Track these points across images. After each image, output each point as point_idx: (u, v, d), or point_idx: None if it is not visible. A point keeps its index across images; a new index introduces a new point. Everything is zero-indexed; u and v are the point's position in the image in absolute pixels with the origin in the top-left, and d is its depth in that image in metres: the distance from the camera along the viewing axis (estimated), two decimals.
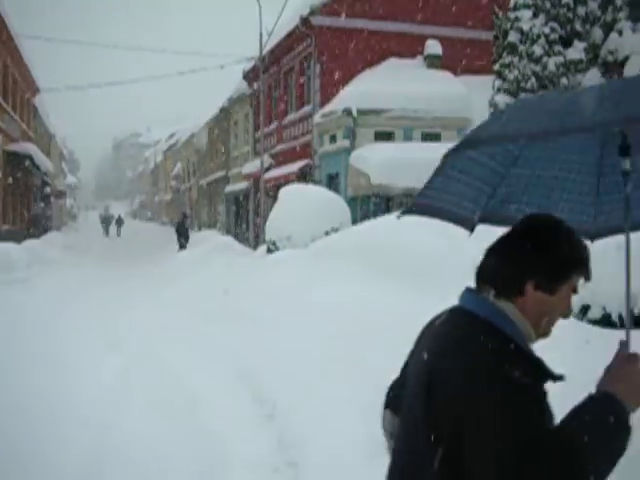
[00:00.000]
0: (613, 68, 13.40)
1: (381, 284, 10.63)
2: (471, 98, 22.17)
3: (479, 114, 14.25)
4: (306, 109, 29.10)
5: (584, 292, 8.96)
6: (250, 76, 36.50)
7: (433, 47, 27.43)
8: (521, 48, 13.04)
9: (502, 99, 13.05)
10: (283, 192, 19.48)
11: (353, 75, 26.66)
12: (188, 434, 6.69)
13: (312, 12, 27.25)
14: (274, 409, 7.27)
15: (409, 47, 27.75)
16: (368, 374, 6.98)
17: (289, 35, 29.91)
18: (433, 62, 27.29)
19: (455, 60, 27.13)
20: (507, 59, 13.21)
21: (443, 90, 25.00)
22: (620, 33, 13.48)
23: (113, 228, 57.44)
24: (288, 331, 9.50)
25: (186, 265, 21.33)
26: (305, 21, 27.61)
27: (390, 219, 13.38)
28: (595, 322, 8.85)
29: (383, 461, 5.10)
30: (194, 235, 34.96)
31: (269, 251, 18.60)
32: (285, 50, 31.44)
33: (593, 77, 13.37)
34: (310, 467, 5.75)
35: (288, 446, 6.31)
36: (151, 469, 5.70)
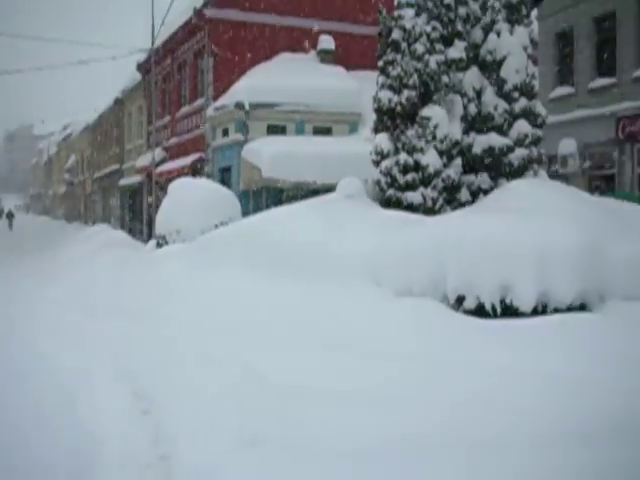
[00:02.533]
0: (492, 67, 13.84)
1: (265, 276, 10.77)
2: (362, 93, 22.52)
3: (370, 109, 14.52)
4: (199, 102, 28.90)
5: (460, 283, 9.34)
6: (144, 68, 35.95)
7: (326, 42, 27.69)
8: (404, 46, 13.30)
9: (385, 95, 13.29)
10: (172, 186, 19.34)
11: (247, 69, 26.63)
12: (62, 432, 6.60)
13: (206, 4, 27.08)
14: (151, 404, 7.26)
15: (303, 42, 27.94)
16: (244, 367, 7.09)
17: (183, 27, 29.64)
18: (326, 57, 27.55)
19: (348, 55, 27.49)
20: (390, 56, 13.44)
21: (335, 85, 25.31)
22: (498, 34, 13.91)
23: (4, 222, 55.63)
24: (170, 326, 9.52)
25: (75, 260, 20.93)
26: (198, 13, 27.39)
27: (277, 212, 13.56)
28: (470, 312, 9.22)
29: (254, 452, 5.22)
30: (87, 229, 34.20)
31: (159, 245, 18.45)
32: (179, 42, 31.12)
33: (473, 75, 13.79)
34: (183, 461, 5.78)
35: (162, 441, 6.33)
36: (20, 469, 5.61)
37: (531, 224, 9.52)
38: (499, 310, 9.08)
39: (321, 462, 4.83)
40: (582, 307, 9.16)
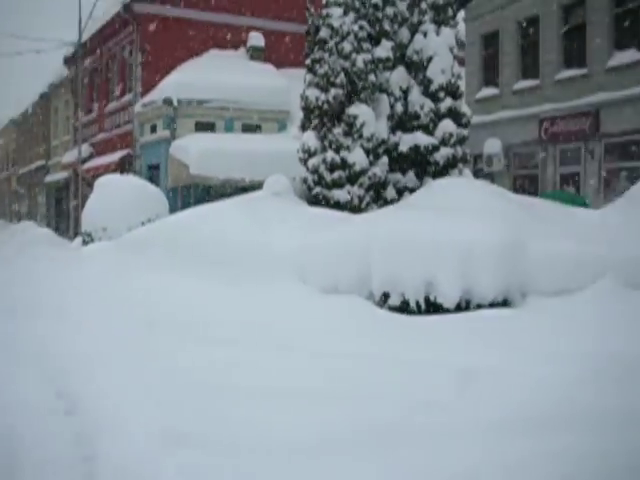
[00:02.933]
0: (418, 67, 14.02)
1: (190, 274, 10.68)
2: (292, 91, 22.52)
3: (299, 107, 14.53)
4: (128, 98, 28.51)
5: (385, 281, 9.43)
6: (71, 61, 35.24)
7: (256, 39, 27.63)
8: (331, 44, 13.35)
9: (313, 93, 13.33)
10: (99, 182, 19.03)
11: (176, 65, 26.35)
12: None
13: None
14: (74, 405, 7.14)
15: (232, 38, 27.79)
16: (165, 366, 7.02)
17: (111, 21, 29.17)
18: (256, 54, 27.49)
19: (278, 53, 27.48)
20: (318, 54, 13.48)
21: (264, 82, 25.27)
22: (425, 35, 14.10)
23: None
24: (92, 325, 9.36)
25: None
26: (127, 7, 27.01)
27: (204, 209, 13.45)
28: (395, 309, 9.32)
29: (177, 451, 5.17)
30: (11, 227, 33.39)
31: (85, 243, 18.14)
32: (108, 36, 30.62)
33: (400, 75, 13.95)
34: (106, 461, 5.69)
35: (85, 441, 6.22)
36: None
37: (455, 222, 9.67)
38: (423, 307, 9.20)
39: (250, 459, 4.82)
40: (504, 303, 9.36)
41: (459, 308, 9.11)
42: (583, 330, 8.21)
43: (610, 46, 20.21)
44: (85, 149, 30.60)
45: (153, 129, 25.84)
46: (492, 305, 9.21)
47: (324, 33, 13.66)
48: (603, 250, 10.21)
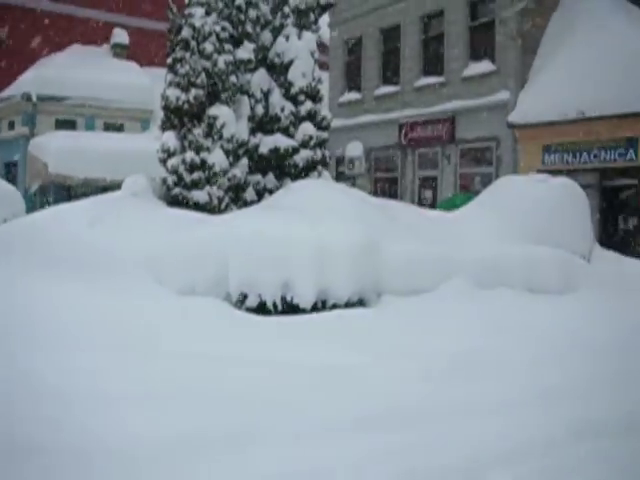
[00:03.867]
0: (279, 70, 14.14)
1: (43, 275, 10.34)
2: (155, 90, 22.23)
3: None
4: None
5: (242, 282, 9.45)
6: None
7: (120, 36, 27.13)
8: (193, 44, 13.26)
9: (173, 93, 13.20)
10: None
11: (36, 59, 25.51)
12: None
13: None
14: None
15: (96, 34, 27.16)
16: (19, 370, 6.78)
17: None
18: (119, 51, 26.98)
19: (143, 51, 27.06)
20: (179, 54, 13.36)
21: (128, 81, 24.86)
22: (287, 38, 14.23)
23: None
24: None
25: None
26: None
27: (61, 208, 13.07)
28: (252, 310, 9.36)
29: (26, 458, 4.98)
30: None
31: None
32: None
33: (261, 77, 14.02)
34: None
35: None
36: None
37: (311, 223, 9.80)
38: (280, 307, 9.28)
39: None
40: (360, 303, 9.57)
41: (316, 308, 9.24)
42: (433, 328, 8.53)
43: (466, 56, 21.05)
44: None
45: (11, 125, 24.93)
46: (348, 305, 9.40)
47: (186, 33, 13.54)
48: (455, 251, 10.64)
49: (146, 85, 24.59)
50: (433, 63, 22.30)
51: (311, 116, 13.94)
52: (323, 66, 26.14)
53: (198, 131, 13.02)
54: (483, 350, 7.83)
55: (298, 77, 13.87)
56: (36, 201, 21.65)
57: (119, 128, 24.46)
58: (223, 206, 12.81)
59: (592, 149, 18.10)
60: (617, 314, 9.83)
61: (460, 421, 5.99)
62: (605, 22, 18.99)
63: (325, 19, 26.69)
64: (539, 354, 8.03)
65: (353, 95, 25.25)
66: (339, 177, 24.83)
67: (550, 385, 7.22)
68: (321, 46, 24.26)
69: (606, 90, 17.32)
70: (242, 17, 14.17)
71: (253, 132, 13.59)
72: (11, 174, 24.16)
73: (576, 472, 5.43)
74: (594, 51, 18.36)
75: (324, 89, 16.85)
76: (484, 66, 20.45)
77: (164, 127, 13.79)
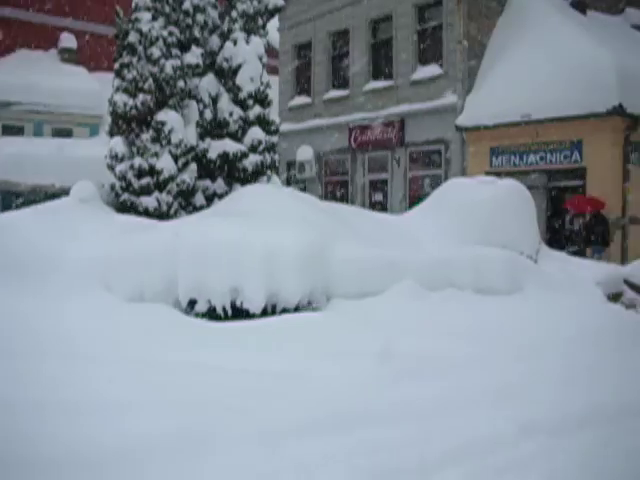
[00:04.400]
0: (228, 75, 14.12)
1: None
2: (105, 95, 22.02)
3: None
4: None
5: (191, 287, 9.42)
6: None
7: (68, 40, 26.81)
8: (140, 49, 13.19)
9: (121, 98, 13.10)
10: None
11: None
12: None
13: None
14: None
15: (43, 38, 26.81)
16: None
17: None
18: (67, 56, 26.66)
19: (92, 56, 26.79)
20: (126, 59, 13.27)
21: (76, 86, 24.60)
22: (235, 43, 14.22)
23: None
24: None
25: None
26: None
27: (8, 216, 12.86)
28: (202, 315, 9.33)
29: None
30: None
31: None
32: None
33: (209, 81, 13.98)
34: None
35: None
36: None
37: (261, 228, 9.81)
38: (230, 312, 9.26)
39: None
40: (310, 306, 9.60)
41: (266, 313, 9.25)
42: (382, 330, 8.59)
43: (414, 60, 21.24)
44: None
45: None
46: (298, 309, 9.41)
47: (133, 37, 13.45)
48: (404, 254, 10.73)
49: (95, 90, 24.36)
50: (382, 67, 22.46)
51: (260, 120, 13.95)
52: (274, 70, 26.19)
53: (146, 136, 12.94)
54: (431, 351, 7.92)
55: (246, 82, 13.87)
56: None
57: (68, 134, 24.19)
58: (172, 212, 12.75)
59: (539, 151, 18.41)
60: (561, 313, 10.02)
61: (408, 422, 6.05)
62: (549, 27, 19.34)
63: (275, 23, 26.74)
64: (486, 354, 8.15)
65: (303, 99, 25.30)
66: (290, 181, 24.89)
67: (497, 384, 7.33)
68: (271, 50, 24.33)
69: (552, 93, 17.64)
70: (190, 22, 14.13)
71: (202, 137, 13.55)
72: None
73: (524, 469, 5.54)
74: (540, 55, 18.68)
75: (274, 93, 16.86)
76: (432, 70, 20.66)
77: (112, 133, 13.68)
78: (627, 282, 12.26)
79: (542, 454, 5.91)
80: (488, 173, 17.42)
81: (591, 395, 7.52)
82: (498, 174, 16.32)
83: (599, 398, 7.50)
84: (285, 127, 25.25)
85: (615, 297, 11.72)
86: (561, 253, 14.00)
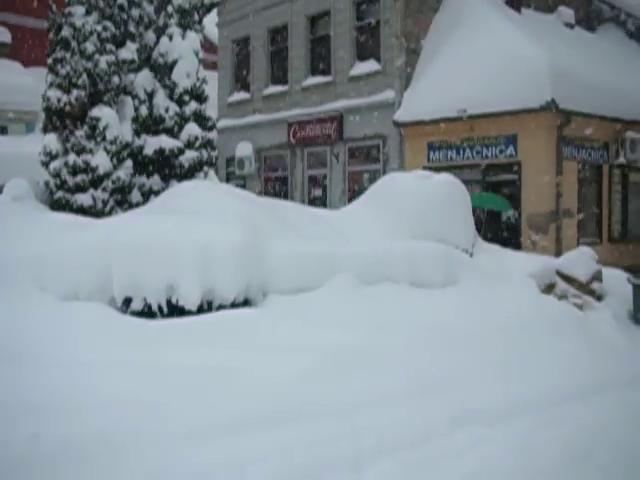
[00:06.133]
0: (163, 70, 14.03)
1: None
2: (40, 91, 21.62)
3: None
4: None
5: (126, 285, 9.33)
6: None
7: (2, 34, 26.30)
8: (74, 44, 13.00)
9: (54, 94, 12.91)
10: None
11: None
12: None
13: None
14: None
15: None
16: None
17: None
18: (1, 50, 26.13)
19: (27, 50, 26.30)
20: (60, 54, 13.08)
21: (10, 81, 24.10)
22: (171, 38, 14.12)
23: None
24: None
25: None
26: None
27: None
28: (138, 313, 9.25)
29: None
30: None
31: None
32: None
33: (145, 77, 13.87)
34: None
35: None
36: None
37: (197, 224, 9.76)
38: (166, 310, 9.20)
39: None
40: (246, 303, 9.60)
41: (202, 310, 9.21)
42: (317, 325, 8.65)
43: (352, 56, 21.35)
44: None
45: None
46: (234, 305, 9.40)
47: (66, 32, 13.27)
48: (340, 248, 10.80)
49: (30, 86, 23.87)
50: (321, 63, 22.51)
51: (196, 116, 13.90)
52: (213, 66, 26.05)
53: (80, 133, 12.78)
54: (366, 345, 8.00)
55: (182, 77, 13.80)
56: None
57: (3, 130, 23.71)
58: (108, 209, 12.63)
59: (475, 146, 18.68)
60: (495, 305, 10.21)
61: (343, 416, 6.12)
62: (485, 24, 19.62)
63: (214, 19, 26.57)
64: (421, 347, 8.26)
65: (242, 95, 25.22)
66: (229, 177, 24.79)
67: (430, 376, 7.46)
68: (210, 46, 24.23)
69: (487, 89, 17.90)
70: (124, 16, 14.00)
71: (137, 133, 13.44)
72: None
73: (459, 457, 5.66)
74: (475, 51, 18.93)
75: (213, 89, 16.77)
76: (370, 66, 20.78)
77: (46, 129, 13.48)
78: (559, 274, 12.51)
79: (476, 443, 6.05)
80: (426, 168, 17.59)
81: (523, 384, 7.72)
82: (435, 169, 16.51)
83: (531, 387, 7.70)
84: (224, 123, 25.15)
85: (548, 288, 11.95)
86: (496, 246, 14.22)
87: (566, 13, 22.98)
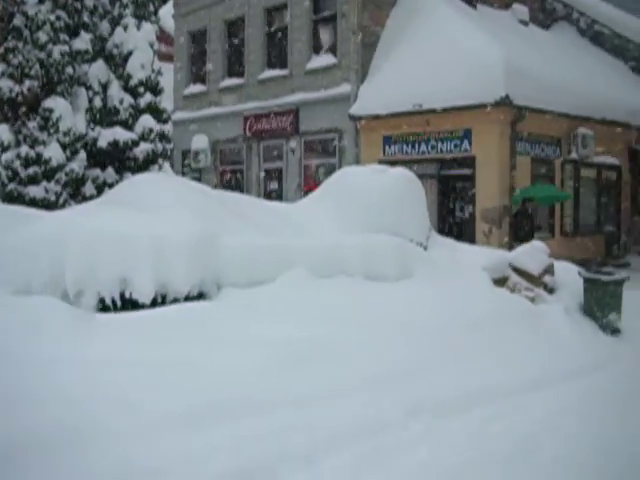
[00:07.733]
0: (118, 61, 13.91)
1: None
2: None
3: None
4: None
5: (78, 279, 9.22)
6: None
7: None
8: (26, 33, 12.82)
9: (6, 84, 12.72)
10: None
11: None
12: None
13: None
14: None
15: None
16: None
17: None
18: None
19: None
20: (12, 43, 12.90)
21: None
22: (125, 28, 14.01)
23: None
24: None
25: None
26: None
27: None
28: (91, 307, 9.14)
29: None
30: None
31: None
32: None
33: (99, 68, 13.74)
34: None
35: None
36: None
37: (149, 217, 9.70)
38: (119, 303, 9.12)
39: None
40: (200, 296, 9.56)
41: (155, 303, 9.16)
42: (270, 318, 8.65)
43: (309, 50, 21.37)
44: None
45: None
46: (188, 299, 9.35)
47: (18, 21, 13.08)
48: (295, 241, 10.81)
49: None
50: (277, 56, 22.48)
51: (151, 109, 13.81)
52: (169, 58, 25.84)
53: (33, 124, 12.62)
54: (321, 337, 8.03)
55: (137, 69, 13.71)
56: None
57: None
58: (61, 201, 12.49)
59: (430, 140, 18.83)
60: (449, 297, 10.31)
61: (296, 408, 6.15)
62: (441, 19, 19.79)
63: (170, 10, 26.33)
64: (376, 340, 8.31)
65: (198, 87, 25.06)
66: (185, 170, 24.64)
67: (385, 369, 7.52)
68: (166, 37, 24.03)
69: (442, 84, 18.06)
70: (78, 6, 13.86)
71: (91, 125, 13.29)
72: None
73: (413, 448, 5.73)
74: (431, 46, 19.09)
75: (168, 81, 16.64)
76: (326, 59, 20.84)
77: None
78: (512, 267, 12.68)
79: (430, 434, 6.13)
80: (381, 162, 17.70)
81: (477, 376, 7.82)
82: (391, 163, 16.62)
83: (484, 379, 7.81)
84: (180, 115, 24.96)
85: (501, 281, 12.09)
86: (451, 240, 14.37)
87: (520, 10, 23.28)
